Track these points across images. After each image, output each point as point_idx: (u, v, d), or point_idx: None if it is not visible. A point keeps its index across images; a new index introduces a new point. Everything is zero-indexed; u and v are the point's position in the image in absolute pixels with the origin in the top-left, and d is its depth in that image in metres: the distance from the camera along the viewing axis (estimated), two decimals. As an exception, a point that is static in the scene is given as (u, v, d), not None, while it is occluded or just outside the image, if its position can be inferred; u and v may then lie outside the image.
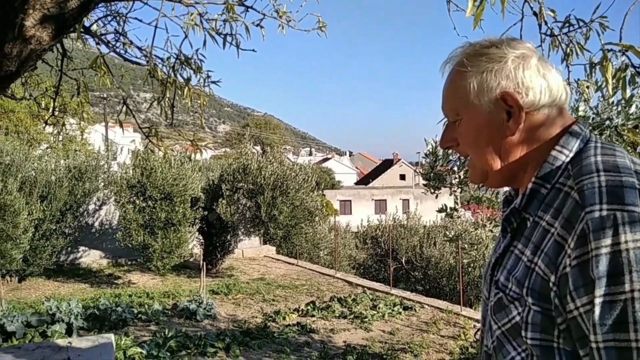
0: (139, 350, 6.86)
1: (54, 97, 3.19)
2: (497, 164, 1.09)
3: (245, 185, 10.87)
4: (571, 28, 3.26)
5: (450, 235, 4.82)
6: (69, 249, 12.43)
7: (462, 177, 4.42)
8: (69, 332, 7.29)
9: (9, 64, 1.22)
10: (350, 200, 42.69)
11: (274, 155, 11.27)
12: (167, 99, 3.28)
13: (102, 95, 35.94)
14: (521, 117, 1.04)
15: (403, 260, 12.56)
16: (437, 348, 7.28)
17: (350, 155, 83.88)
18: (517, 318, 0.99)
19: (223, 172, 11.71)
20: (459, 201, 4.80)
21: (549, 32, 3.23)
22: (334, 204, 35.34)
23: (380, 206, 41.08)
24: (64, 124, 3.49)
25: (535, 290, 0.96)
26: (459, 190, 4.58)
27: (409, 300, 9.72)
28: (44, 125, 3.46)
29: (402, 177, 58.68)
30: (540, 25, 3.24)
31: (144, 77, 3.37)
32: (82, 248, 12.91)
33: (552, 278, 0.92)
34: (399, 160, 61.81)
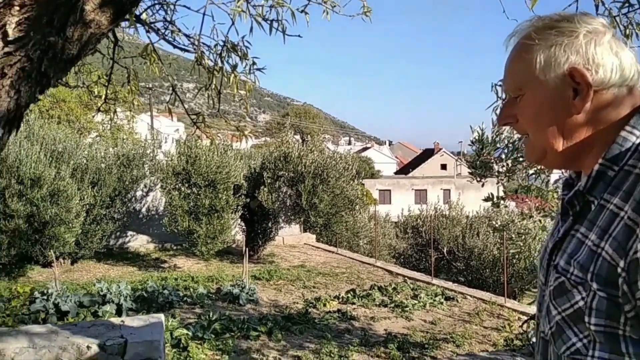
0: (185, 331, 7.09)
1: (106, 84, 3.29)
2: (559, 144, 1.04)
3: (286, 173, 10.96)
4: (630, 8, 3.09)
5: (497, 225, 4.71)
6: (118, 233, 12.92)
7: (509, 165, 4.30)
8: (118, 313, 7.60)
9: (71, 47, 1.26)
10: (389, 190, 42.36)
11: (315, 143, 11.31)
12: (213, 87, 3.33)
13: (147, 86, 36.95)
14: (589, 96, 0.99)
15: (444, 251, 12.39)
16: (480, 339, 7.17)
17: (390, 145, 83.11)
18: (581, 303, 0.96)
19: (264, 160, 11.84)
20: (505, 190, 4.67)
21: (606, 13, 3.07)
22: (373, 193, 35.18)
23: (421, 196, 40.59)
24: (115, 112, 3.60)
25: (601, 275, 0.92)
26: (506, 179, 4.45)
27: (451, 290, 9.60)
28: (95, 113, 3.57)
29: (443, 166, 57.69)
30: (597, 6, 3.09)
31: (188, 67, 3.42)
32: (130, 233, 13.39)
33: (621, 263, 0.88)
34: (440, 149, 60.77)
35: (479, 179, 4.50)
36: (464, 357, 3.84)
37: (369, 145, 77.15)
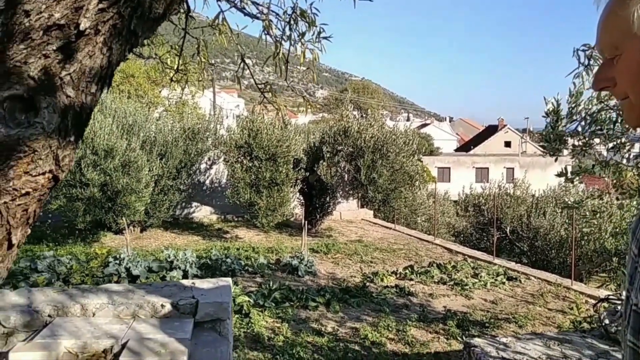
0: (247, 298, 7.34)
1: (178, 54, 3.38)
2: None
3: (345, 148, 10.93)
4: None
5: (570, 202, 4.48)
6: (183, 204, 13.47)
7: (586, 138, 4.06)
8: (185, 279, 7.98)
9: (157, 6, 1.29)
10: (449, 168, 41.36)
11: (375, 117, 11.17)
12: (280, 56, 3.34)
13: (210, 62, 37.66)
14: None
15: (507, 230, 12.01)
16: (544, 321, 6.94)
17: (450, 121, 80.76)
18: None
19: (324, 134, 11.86)
20: (580, 165, 4.42)
21: None
22: (432, 171, 34.48)
23: (482, 174, 39.35)
24: (187, 81, 3.70)
25: None
26: (582, 153, 4.21)
27: (514, 270, 9.32)
28: (168, 83, 3.68)
29: (507, 144, 55.48)
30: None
31: (249, 43, 3.42)
32: (194, 204, 13.92)
33: None
34: (505, 126, 58.37)
35: (552, 154, 4.28)
36: (530, 335, 3.72)
37: (428, 121, 75.36)
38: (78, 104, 1.23)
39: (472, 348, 3.55)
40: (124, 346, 2.43)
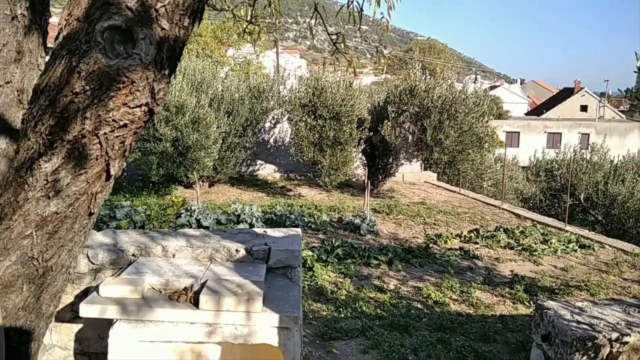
0: (310, 253, 7.50)
1: (252, 4, 3.36)
2: None
3: (411, 108, 10.66)
4: None
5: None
6: (249, 161, 13.81)
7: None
8: (251, 232, 8.24)
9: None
10: (518, 133, 39.49)
11: (443, 76, 10.76)
12: (354, 4, 3.24)
13: (272, 22, 37.50)
14: None
15: (581, 197, 11.39)
16: (619, 290, 6.61)
17: (521, 83, 76.52)
18: None
19: (389, 94, 11.62)
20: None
21: None
22: (500, 135, 33.09)
23: (554, 140, 37.33)
24: (259, 32, 3.69)
25: None
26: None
27: (587, 238, 8.89)
28: (242, 33, 3.69)
29: (584, 108, 52.06)
30: None
31: (311, 3, 3.34)
32: (259, 162, 14.23)
33: None
34: (582, 89, 54.63)
35: (644, 111, 3.95)
36: (608, 301, 3.55)
37: (497, 83, 71.83)
38: (172, 37, 1.24)
39: (545, 310, 3.43)
40: (203, 285, 2.55)
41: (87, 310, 2.39)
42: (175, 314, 2.39)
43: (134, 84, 1.21)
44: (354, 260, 7.51)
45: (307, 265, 6.94)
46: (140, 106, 1.24)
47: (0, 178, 1.57)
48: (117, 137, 1.29)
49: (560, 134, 38.19)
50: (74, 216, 1.42)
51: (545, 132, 39.20)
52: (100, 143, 1.28)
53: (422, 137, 10.35)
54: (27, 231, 1.40)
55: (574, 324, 3.25)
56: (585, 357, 3.11)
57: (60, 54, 1.21)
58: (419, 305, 5.96)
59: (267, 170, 14.41)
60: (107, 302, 2.42)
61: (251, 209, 9.02)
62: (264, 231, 3.41)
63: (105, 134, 1.26)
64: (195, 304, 2.45)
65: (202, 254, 3.05)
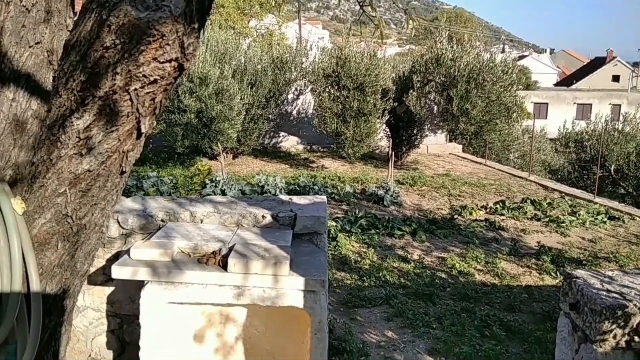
0: (334, 223, 7.53)
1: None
2: None
3: (437, 77, 10.43)
4: None
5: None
6: (272, 133, 13.81)
7: None
8: (275, 202, 8.30)
9: None
10: (546, 104, 38.43)
11: (471, 44, 10.46)
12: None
13: (295, -9, 36.97)
14: None
15: (612, 169, 11.09)
16: (649, 263, 6.48)
17: (550, 53, 74.06)
18: None
19: (414, 63, 11.38)
20: None
21: None
22: (528, 107, 32.27)
23: (584, 111, 36.26)
24: (283, 1, 3.63)
25: None
26: None
27: (616, 210, 8.69)
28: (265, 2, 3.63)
29: (615, 78, 50.24)
30: None
31: None
32: (282, 133, 14.22)
33: None
34: (614, 58, 52.62)
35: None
36: (639, 270, 3.46)
37: (525, 53, 69.67)
38: (201, -11, 1.22)
39: (574, 279, 3.37)
40: (231, 249, 2.58)
41: (119, 272, 2.45)
42: (204, 276, 2.43)
43: (164, 38, 1.19)
44: (377, 230, 7.51)
45: (330, 236, 6.98)
46: (170, 61, 1.23)
47: (33, 140, 1.59)
48: (147, 93, 1.28)
49: (591, 105, 37.07)
50: (106, 174, 1.43)
51: (574, 103, 38.08)
52: (130, 99, 1.27)
53: (448, 107, 10.15)
54: (60, 189, 1.42)
55: (604, 293, 3.20)
56: (614, 326, 3.07)
57: (90, 8, 1.20)
58: (443, 275, 5.96)
59: (290, 142, 14.40)
60: (138, 265, 2.48)
61: (275, 180, 9.06)
62: (290, 198, 3.42)
63: (135, 90, 1.26)
64: (224, 267, 2.48)
65: (229, 219, 3.08)
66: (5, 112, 1.66)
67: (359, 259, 6.45)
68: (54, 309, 1.67)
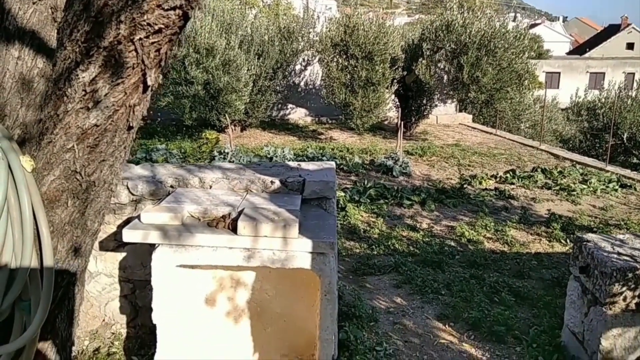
0: (342, 194, 7.54)
1: None
2: None
3: (448, 45, 10.23)
4: None
5: None
6: (280, 105, 13.73)
7: None
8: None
9: None
10: (558, 73, 37.74)
11: (482, 10, 10.22)
12: None
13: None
14: None
15: (624, 137, 10.93)
16: (661, 230, 6.43)
17: (563, 21, 72.32)
18: None
19: (424, 30, 11.15)
20: None
21: None
22: (539, 76, 31.73)
23: (596, 80, 35.57)
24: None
25: None
26: None
27: (628, 178, 8.59)
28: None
29: (630, 46, 49.05)
30: None
31: None
32: (290, 105, 14.14)
33: None
34: (629, 25, 51.25)
35: None
36: (653, 235, 3.44)
37: (538, 21, 68.09)
38: None
39: (584, 243, 3.36)
40: (240, 213, 2.59)
41: (130, 235, 2.46)
42: (214, 239, 2.44)
43: (167, -17, 1.16)
44: (386, 200, 7.50)
45: (339, 206, 6.99)
46: (174, 8, 1.20)
47: (40, 99, 1.57)
48: (152, 43, 1.26)
49: (604, 73, 36.37)
50: (113, 129, 1.42)
51: (587, 72, 37.37)
52: (135, 50, 1.25)
53: (458, 76, 9.98)
54: (68, 144, 1.42)
55: (615, 256, 3.18)
56: (625, 288, 3.06)
57: (91, -46, 1.17)
58: (452, 243, 5.96)
59: (298, 114, 14.32)
60: (149, 228, 2.49)
61: (283, 152, 9.05)
62: (298, 164, 3.40)
63: (140, 39, 1.23)
64: (234, 230, 2.49)
65: (238, 185, 3.08)
66: (11, 70, 1.65)
67: (368, 228, 6.47)
68: (66, 268, 1.69)
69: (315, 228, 2.61)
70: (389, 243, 5.90)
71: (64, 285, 1.73)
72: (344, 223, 6.56)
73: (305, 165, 3.39)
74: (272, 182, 3.06)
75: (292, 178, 3.07)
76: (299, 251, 2.44)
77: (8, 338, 1.60)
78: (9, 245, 1.48)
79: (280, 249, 2.44)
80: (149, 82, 1.34)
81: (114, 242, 3.17)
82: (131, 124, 1.43)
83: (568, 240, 5.88)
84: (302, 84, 14.16)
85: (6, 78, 1.62)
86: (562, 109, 17.06)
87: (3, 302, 1.49)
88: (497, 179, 8.65)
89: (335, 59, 10.47)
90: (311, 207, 3.03)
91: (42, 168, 1.48)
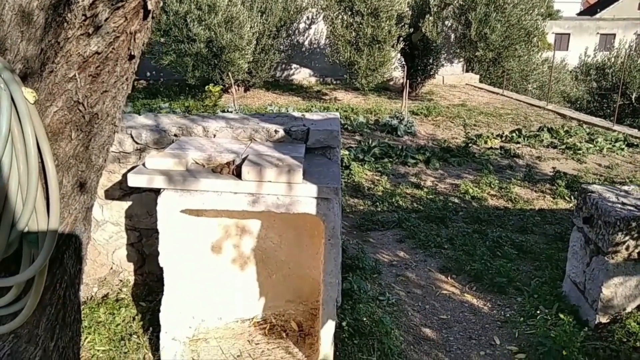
0: (347, 153, 7.52)
1: None
2: None
3: (456, 1, 9.96)
4: None
5: None
6: (283, 65, 13.54)
7: None
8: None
9: None
10: (568, 34, 36.87)
11: (492, -35, 9.88)
12: None
13: None
14: None
15: (633, 97, 10.76)
16: (667, 188, 6.41)
17: (576, -20, 70.17)
18: None
19: (432, -14, 10.83)
20: None
21: None
22: (548, 37, 31.04)
23: (607, 42, 34.77)
24: None
25: None
26: None
27: (635, 137, 8.52)
28: None
29: (643, 6, 47.67)
30: None
31: None
32: (294, 66, 13.94)
33: None
34: (643, -16, 49.66)
35: None
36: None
37: (549, -19, 65.99)
38: None
39: (589, 194, 3.36)
40: (244, 159, 2.59)
41: (135, 179, 2.47)
42: (219, 184, 2.45)
43: None
44: (390, 159, 7.49)
45: (343, 164, 6.98)
46: None
47: (41, 32, 1.55)
48: (151, -36, 1.22)
49: (614, 35, 35.54)
50: (114, 58, 1.40)
51: (597, 33, 36.51)
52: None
53: (466, 33, 9.76)
54: (70, 73, 1.40)
55: (619, 206, 3.18)
56: (628, 237, 3.07)
57: None
58: (456, 200, 5.98)
59: (302, 75, 14.15)
60: (154, 173, 2.50)
61: (287, 111, 8.98)
62: (302, 114, 3.38)
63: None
64: (238, 175, 2.49)
65: (242, 134, 3.07)
66: (10, 2, 1.61)
67: (372, 186, 6.48)
68: (72, 203, 1.70)
69: (319, 175, 2.61)
70: (393, 200, 5.92)
71: (71, 222, 1.75)
72: (348, 181, 6.57)
73: (309, 115, 3.37)
74: (276, 131, 3.04)
75: (296, 127, 3.06)
76: (303, 196, 2.45)
77: (17, 271, 1.62)
78: (15, 177, 1.49)
79: (284, 194, 2.45)
80: (150, 7, 1.31)
81: (120, 191, 3.19)
82: (132, 53, 1.41)
83: (572, 197, 5.88)
84: (306, 43, 13.92)
85: (5, 10, 1.58)
86: (571, 71, 16.77)
87: (11, 233, 1.51)
88: (503, 139, 8.59)
89: (340, 16, 10.25)
90: (315, 156, 3.02)
91: (44, 99, 1.47)
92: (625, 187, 3.46)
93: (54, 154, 1.54)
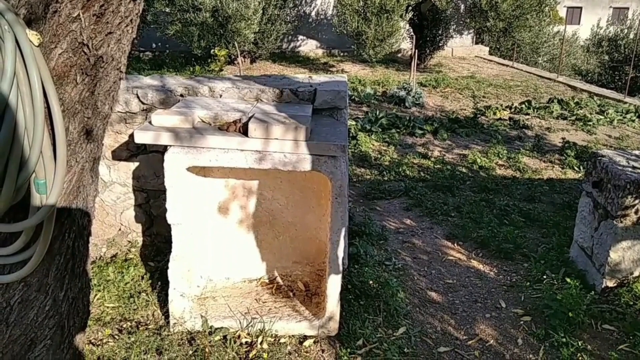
0: (354, 123, 7.47)
1: None
2: None
3: (466, -30, 9.72)
4: None
5: None
6: (290, 37, 13.37)
7: None
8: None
9: None
10: (580, 8, 36.07)
11: None
12: None
13: None
14: None
15: (646, 69, 10.56)
16: (677, 159, 6.33)
17: (590, -48, 68.32)
18: None
19: (442, -45, 10.58)
20: None
21: None
22: (560, 11, 30.38)
23: (619, 15, 34.04)
24: None
25: None
26: None
27: (648, 109, 8.39)
28: None
29: (659, -21, 46.48)
30: None
31: None
32: (300, 37, 13.76)
33: None
34: (660, -44, 48.31)
35: None
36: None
37: (562, -48, 64.29)
38: None
39: (599, 158, 3.32)
40: (250, 117, 2.56)
41: (141, 136, 2.46)
42: (225, 141, 2.43)
43: None
44: (398, 130, 7.43)
45: (350, 135, 6.94)
46: None
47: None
48: None
49: (628, 8, 34.72)
50: (118, -4, 1.37)
51: (610, 7, 35.70)
52: None
53: (476, 2, 9.56)
54: (74, 13, 1.37)
55: (629, 169, 3.14)
56: (637, 201, 3.04)
57: None
58: (464, 170, 5.94)
59: (308, 46, 13.97)
60: (160, 130, 2.48)
61: (294, 81, 8.90)
62: (309, 77, 3.33)
63: None
64: (245, 133, 2.48)
65: (249, 94, 3.04)
66: (10, -56, 1.58)
67: (379, 156, 6.45)
68: (79, 151, 1.69)
69: (326, 134, 2.59)
70: (400, 169, 5.89)
71: (78, 171, 1.74)
72: (355, 151, 6.54)
73: (316, 77, 3.33)
74: (282, 92, 3.01)
75: (303, 87, 3.02)
76: (310, 154, 2.43)
77: (26, 218, 1.63)
78: (21, 120, 1.48)
79: (291, 151, 2.43)
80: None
81: (127, 152, 3.18)
82: (137, -8, 1.38)
83: (581, 168, 5.83)
84: (313, 14, 13.70)
85: (7, -48, 1.55)
86: (582, 45, 16.45)
87: (19, 177, 1.51)
88: (512, 110, 8.49)
89: (348, -15, 10.06)
90: (322, 116, 2.99)
91: (49, 41, 1.45)
92: (636, 152, 3.41)
93: (59, 98, 1.52)
